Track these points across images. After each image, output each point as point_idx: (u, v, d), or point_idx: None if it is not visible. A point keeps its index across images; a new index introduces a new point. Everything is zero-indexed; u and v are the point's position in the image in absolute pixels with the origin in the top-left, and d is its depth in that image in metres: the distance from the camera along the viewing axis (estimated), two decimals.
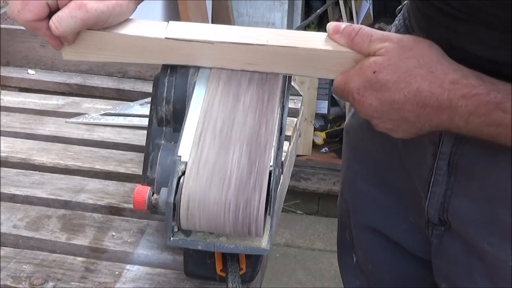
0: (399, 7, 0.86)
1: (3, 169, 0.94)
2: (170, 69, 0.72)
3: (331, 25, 0.68)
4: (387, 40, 0.65)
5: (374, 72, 0.64)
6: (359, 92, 0.65)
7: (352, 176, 0.94)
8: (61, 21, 0.66)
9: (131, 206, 0.76)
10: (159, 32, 0.70)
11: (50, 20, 0.66)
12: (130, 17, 0.72)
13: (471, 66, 0.63)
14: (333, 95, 0.77)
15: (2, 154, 0.98)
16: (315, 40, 0.69)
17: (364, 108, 0.66)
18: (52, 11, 0.67)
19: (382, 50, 0.64)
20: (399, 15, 0.85)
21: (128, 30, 0.70)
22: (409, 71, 0.63)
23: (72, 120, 1.09)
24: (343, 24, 0.68)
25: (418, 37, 0.66)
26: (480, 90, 0.61)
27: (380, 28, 3.15)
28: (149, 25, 0.71)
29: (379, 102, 0.64)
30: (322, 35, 0.69)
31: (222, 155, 0.62)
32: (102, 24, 0.68)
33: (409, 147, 0.79)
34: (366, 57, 0.66)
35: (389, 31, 0.85)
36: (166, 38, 0.69)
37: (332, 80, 0.70)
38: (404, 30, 0.80)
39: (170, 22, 0.71)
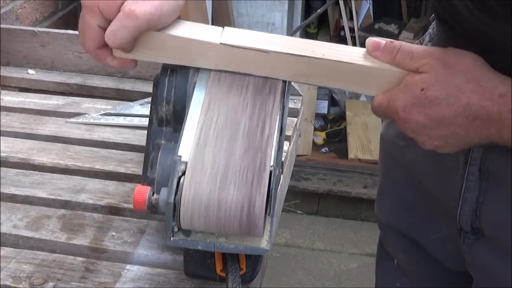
0: (433, 15, 0.85)
1: (3, 169, 0.94)
2: (171, 69, 0.72)
3: (370, 41, 0.67)
4: (430, 55, 0.64)
5: (422, 89, 0.63)
6: (405, 109, 0.65)
7: (392, 183, 0.94)
8: (115, 34, 0.65)
9: (131, 206, 0.76)
10: (214, 36, 0.69)
11: (105, 35, 0.66)
12: (185, 20, 0.70)
13: None
14: (373, 112, 0.78)
15: (2, 154, 0.98)
16: (365, 56, 0.68)
17: (411, 125, 0.65)
18: None
19: (426, 66, 0.64)
20: (433, 22, 0.84)
21: (181, 32, 0.69)
22: (458, 86, 0.62)
23: (72, 120, 1.09)
24: (383, 41, 0.67)
25: (462, 50, 0.65)
26: None
27: (380, 28, 3.14)
28: (203, 29, 0.70)
29: (427, 118, 0.64)
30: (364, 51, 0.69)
31: (222, 155, 0.62)
32: (156, 25, 0.67)
33: (441, 156, 0.79)
34: (410, 74, 0.65)
35: (423, 39, 0.85)
36: (221, 43, 0.68)
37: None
38: (437, 40, 0.80)
39: (226, 27, 0.70)
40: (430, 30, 0.84)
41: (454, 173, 0.78)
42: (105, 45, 0.68)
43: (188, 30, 0.69)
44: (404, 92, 0.65)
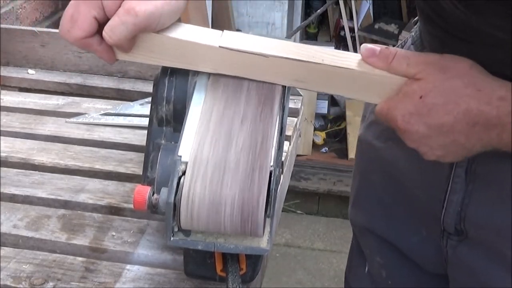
0: (415, 19, 0.84)
1: (3, 169, 0.94)
2: (171, 69, 0.72)
3: (365, 47, 0.66)
4: (426, 61, 0.64)
5: (420, 97, 0.62)
6: (404, 119, 0.63)
7: (370, 186, 0.93)
8: (113, 29, 0.64)
9: (131, 206, 0.76)
10: (213, 39, 0.68)
11: (103, 31, 0.65)
12: (185, 23, 0.70)
13: None
14: (375, 120, 0.77)
15: (2, 154, 0.98)
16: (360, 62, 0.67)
17: (411, 135, 0.64)
18: (101, 25, 0.66)
19: (422, 72, 0.63)
20: (415, 26, 0.84)
21: (180, 34, 0.68)
22: (455, 92, 0.61)
23: (72, 120, 1.09)
24: (378, 47, 0.66)
25: (457, 56, 0.64)
26: None
27: (380, 28, 3.13)
28: (203, 32, 0.69)
29: (426, 128, 0.63)
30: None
31: (222, 155, 0.62)
32: (155, 25, 0.66)
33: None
34: (408, 83, 0.64)
35: (405, 42, 0.85)
36: (220, 46, 0.67)
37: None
38: (420, 43, 0.79)
39: (225, 31, 0.69)
40: (412, 33, 0.84)
41: (439, 174, 0.77)
42: (92, 36, 0.67)
43: (187, 32, 0.69)
44: (402, 101, 0.64)
